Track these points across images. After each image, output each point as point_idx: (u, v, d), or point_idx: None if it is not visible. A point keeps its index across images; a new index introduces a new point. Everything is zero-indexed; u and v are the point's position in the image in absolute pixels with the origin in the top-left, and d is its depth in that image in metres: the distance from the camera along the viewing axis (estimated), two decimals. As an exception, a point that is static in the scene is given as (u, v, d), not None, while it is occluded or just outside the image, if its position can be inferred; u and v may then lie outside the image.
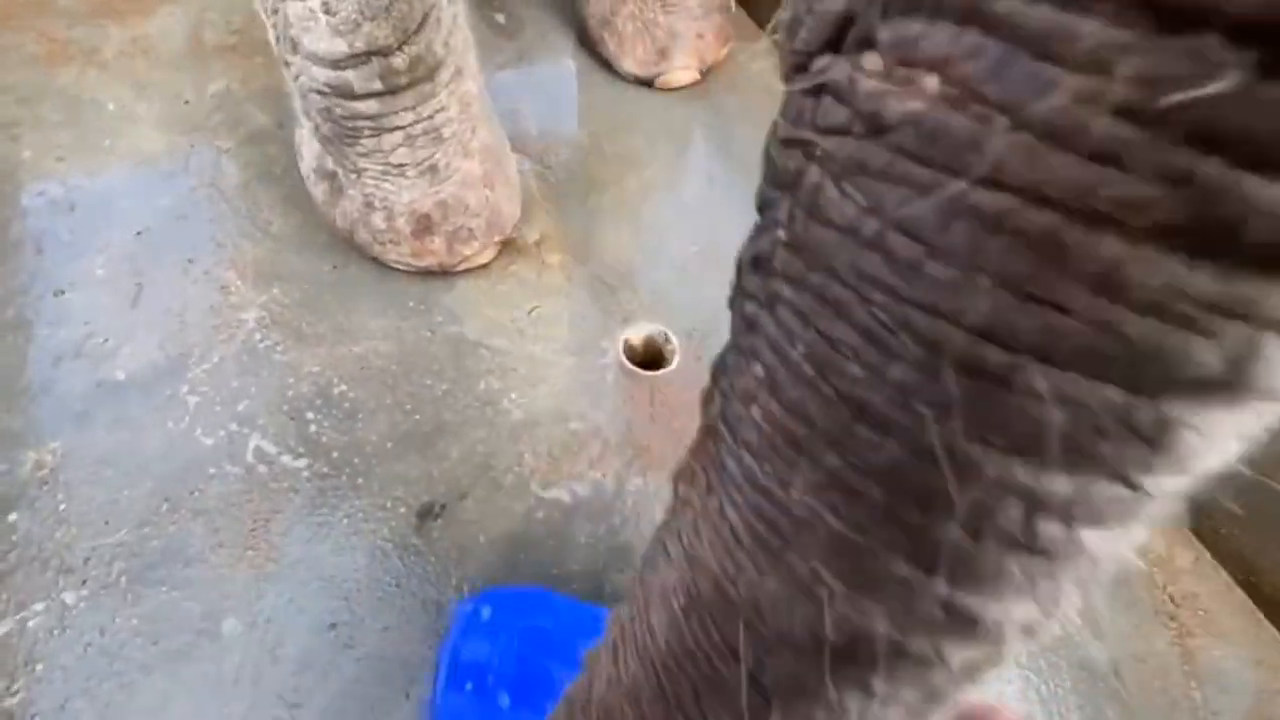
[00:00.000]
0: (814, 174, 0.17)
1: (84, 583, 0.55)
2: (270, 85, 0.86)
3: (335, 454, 0.64)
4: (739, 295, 0.21)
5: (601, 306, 0.78)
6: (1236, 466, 0.17)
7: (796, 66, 0.18)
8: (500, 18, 1.03)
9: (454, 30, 0.65)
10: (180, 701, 0.52)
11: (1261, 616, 0.65)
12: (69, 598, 0.55)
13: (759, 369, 0.20)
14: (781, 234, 0.18)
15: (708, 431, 0.24)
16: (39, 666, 0.52)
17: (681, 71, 0.95)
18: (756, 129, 1.01)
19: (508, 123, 0.91)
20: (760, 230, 0.20)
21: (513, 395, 0.71)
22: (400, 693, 0.55)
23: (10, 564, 0.55)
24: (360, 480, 0.63)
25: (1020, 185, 0.13)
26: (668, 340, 0.78)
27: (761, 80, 1.03)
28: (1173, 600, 0.66)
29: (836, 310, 0.17)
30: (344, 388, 0.68)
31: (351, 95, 0.62)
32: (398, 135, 0.66)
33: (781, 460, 0.20)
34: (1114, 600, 0.66)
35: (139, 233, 0.73)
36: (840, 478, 0.18)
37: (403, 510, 0.62)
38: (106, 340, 0.66)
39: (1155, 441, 0.15)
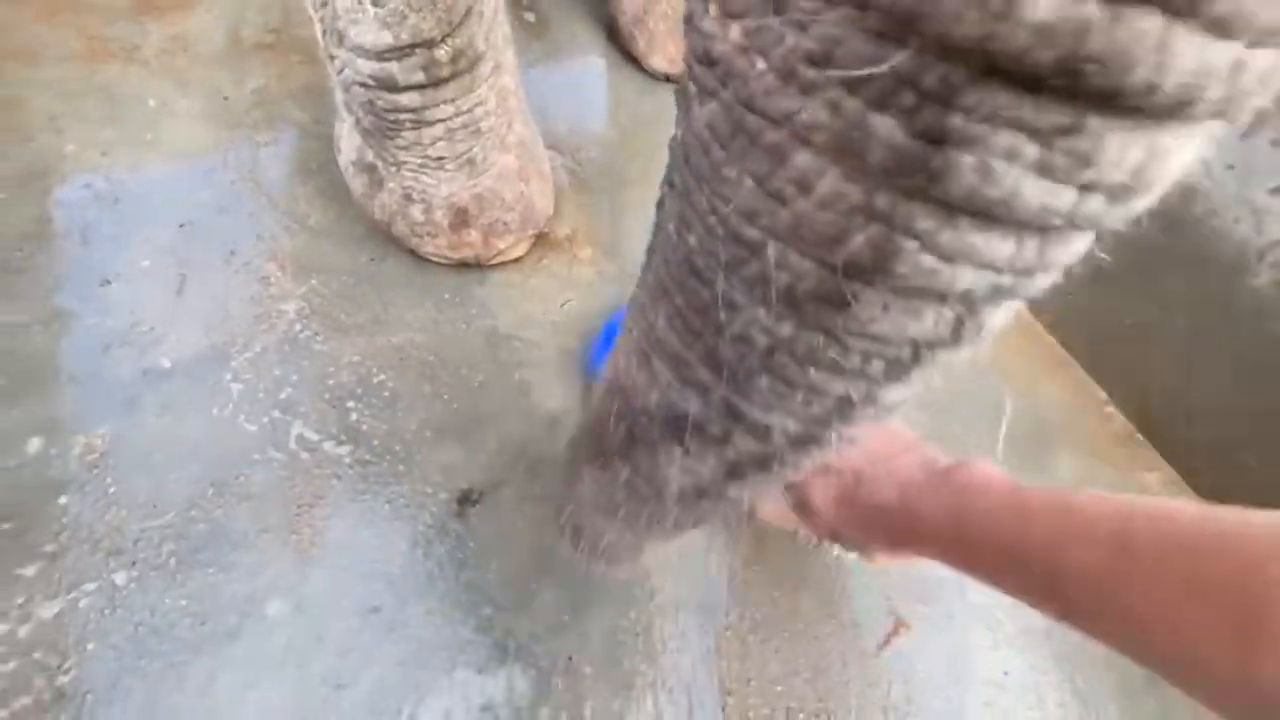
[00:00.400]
0: (690, 91, 0.23)
1: (133, 564, 0.56)
2: (307, 82, 0.88)
3: (376, 441, 0.65)
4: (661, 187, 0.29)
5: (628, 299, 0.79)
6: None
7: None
8: (530, 16, 1.04)
9: (494, 25, 0.66)
10: (227, 681, 0.53)
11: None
12: (119, 578, 0.56)
13: (654, 241, 0.30)
14: (678, 135, 0.25)
15: (638, 285, 0.33)
16: (90, 645, 0.53)
17: (709, 69, 0.96)
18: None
19: (539, 119, 0.92)
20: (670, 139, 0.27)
21: (547, 387, 0.71)
22: (442, 675, 0.55)
23: (62, 545, 0.57)
24: (401, 467, 0.64)
25: (763, 110, 0.20)
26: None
27: (787, 79, 1.04)
28: (1209, 594, 0.66)
29: (686, 198, 0.25)
30: (383, 377, 0.69)
31: (394, 87, 0.63)
32: (438, 128, 0.67)
33: (655, 300, 0.29)
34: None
35: (181, 225, 0.74)
36: (678, 311, 0.28)
37: (443, 496, 0.63)
38: (152, 329, 0.67)
39: (829, 303, 0.22)
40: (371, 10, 0.58)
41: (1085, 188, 0.17)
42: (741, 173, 0.21)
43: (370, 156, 0.71)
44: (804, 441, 0.28)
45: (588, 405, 0.44)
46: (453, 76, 0.64)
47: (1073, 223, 0.18)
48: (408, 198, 0.71)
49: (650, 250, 0.31)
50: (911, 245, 0.19)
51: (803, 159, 0.20)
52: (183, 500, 0.59)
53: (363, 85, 0.64)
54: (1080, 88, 0.15)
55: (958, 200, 0.18)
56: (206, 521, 0.59)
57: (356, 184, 0.74)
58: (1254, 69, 0.14)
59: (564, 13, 1.05)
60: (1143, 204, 0.19)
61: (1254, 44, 0.14)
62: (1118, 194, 0.18)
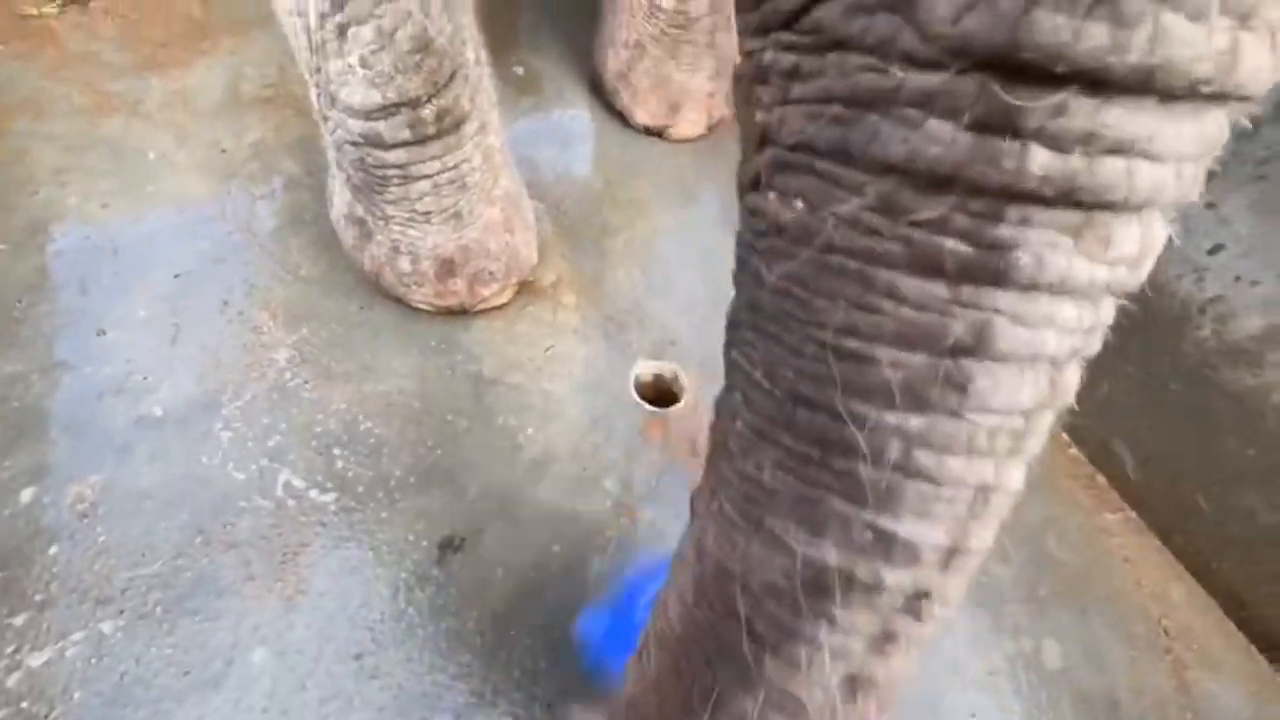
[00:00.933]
0: (754, 259, 0.27)
1: (121, 613, 0.58)
2: (302, 136, 0.91)
3: (361, 488, 0.67)
4: (727, 347, 0.31)
5: (614, 345, 0.82)
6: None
7: (740, 196, 0.28)
8: (519, 70, 1.09)
9: (480, 87, 0.70)
10: (210, 729, 0.54)
11: (1254, 650, 0.67)
12: (106, 627, 0.57)
13: (738, 395, 0.29)
14: (742, 298, 0.29)
15: (713, 453, 0.32)
16: (77, 694, 0.54)
17: (690, 125, 1.00)
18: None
19: (525, 170, 0.96)
20: (734, 300, 0.30)
21: (529, 431, 0.74)
22: (422, 722, 0.57)
23: (51, 595, 0.58)
24: (384, 514, 0.66)
25: (844, 249, 0.24)
26: (677, 378, 0.81)
27: (765, 129, 1.08)
28: (1168, 634, 0.68)
29: (775, 343, 0.27)
30: (369, 424, 0.71)
31: (382, 145, 0.66)
32: (424, 184, 0.70)
33: (755, 452, 0.28)
34: (1111, 633, 0.68)
35: (177, 275, 0.77)
36: (792, 450, 0.27)
37: (425, 544, 0.65)
38: (146, 378, 0.70)
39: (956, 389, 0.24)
40: (360, 72, 0.61)
41: (1112, 263, 0.23)
42: (835, 300, 0.24)
43: (360, 211, 0.74)
44: (953, 554, 0.27)
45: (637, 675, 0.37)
46: (438, 135, 0.67)
47: (1109, 289, 0.23)
48: (395, 249, 0.74)
49: (724, 428, 0.30)
50: (1003, 321, 0.23)
51: (889, 276, 0.23)
52: (171, 548, 0.61)
53: (353, 144, 0.68)
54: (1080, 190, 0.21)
55: (1028, 284, 0.22)
56: (194, 570, 0.61)
57: (347, 236, 0.77)
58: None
59: (551, 67, 1.09)
60: (1148, 268, 0.24)
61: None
62: (1133, 263, 0.23)
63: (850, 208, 0.23)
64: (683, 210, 0.96)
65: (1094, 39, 0.18)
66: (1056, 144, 0.20)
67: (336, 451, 0.69)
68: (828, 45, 0.22)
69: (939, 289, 0.23)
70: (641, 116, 1.00)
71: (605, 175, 0.99)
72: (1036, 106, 0.19)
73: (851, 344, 0.24)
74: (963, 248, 0.22)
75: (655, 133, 1.02)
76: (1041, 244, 0.21)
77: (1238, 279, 0.59)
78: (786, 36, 0.24)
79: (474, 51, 0.68)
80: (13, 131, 0.86)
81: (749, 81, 0.26)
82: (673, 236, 0.93)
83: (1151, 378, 0.68)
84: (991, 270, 0.22)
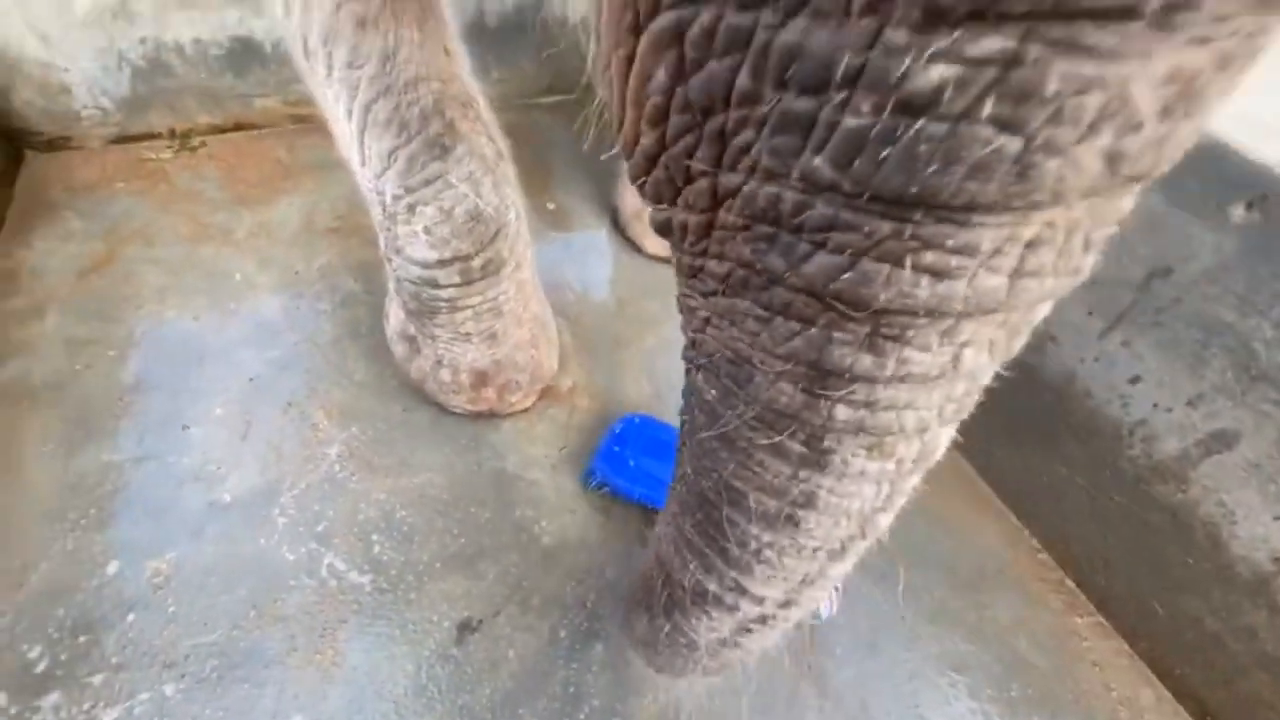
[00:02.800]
0: (690, 399, 0.37)
1: (183, 677, 0.66)
2: (363, 260, 1.08)
3: (393, 571, 0.76)
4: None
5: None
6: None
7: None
8: (551, 205, 1.26)
9: (517, 238, 0.85)
10: (249, 790, 0.61)
11: (1217, 756, 0.71)
12: (169, 689, 0.66)
13: (679, 469, 0.42)
14: (684, 416, 0.39)
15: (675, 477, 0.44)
16: (138, 751, 0.62)
17: (694, 252, 1.15)
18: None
19: (551, 290, 1.11)
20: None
21: (543, 523, 0.83)
22: (435, 792, 0.63)
23: (125, 658, 0.67)
24: (412, 595, 0.74)
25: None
26: (678, 477, 0.91)
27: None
28: (1134, 737, 0.72)
29: (696, 454, 0.38)
30: (404, 513, 0.81)
31: (436, 286, 0.81)
32: (468, 312, 0.84)
33: (682, 511, 0.41)
34: (1078, 735, 0.72)
35: (251, 379, 0.91)
36: (698, 522, 0.40)
37: (446, 624, 0.73)
38: (219, 468, 0.81)
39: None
40: (424, 237, 0.76)
41: (898, 462, 0.32)
42: (728, 459, 0.35)
43: (412, 330, 0.88)
44: (789, 604, 0.40)
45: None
46: (483, 277, 0.82)
47: (895, 477, 0.33)
48: (439, 362, 0.87)
49: (674, 484, 0.44)
50: (823, 493, 0.33)
51: (760, 457, 0.33)
52: (228, 620, 0.70)
53: (412, 283, 0.82)
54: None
55: (839, 474, 0.32)
56: (246, 640, 0.69)
57: (398, 349, 0.91)
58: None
59: (578, 203, 1.27)
60: (930, 462, 0.33)
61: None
62: (915, 463, 0.32)
63: (741, 414, 0.32)
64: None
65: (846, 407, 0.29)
66: (851, 406, 0.29)
67: (375, 537, 0.78)
68: (726, 319, 0.31)
69: (787, 469, 0.32)
70: (652, 247, 1.15)
71: (619, 295, 1.13)
72: (834, 394, 0.28)
73: (735, 483, 0.35)
74: (799, 449, 0.31)
75: (664, 260, 1.17)
76: (846, 453, 0.31)
77: (1155, 405, 0.68)
78: (700, 296, 0.32)
79: (515, 212, 0.84)
80: (126, 256, 1.04)
81: (683, 305, 0.36)
82: (677, 349, 1.05)
83: (1099, 490, 0.76)
84: (817, 464, 0.31)
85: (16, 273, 0.99)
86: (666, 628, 0.47)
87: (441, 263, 0.77)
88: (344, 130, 0.72)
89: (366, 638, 0.71)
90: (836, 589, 0.68)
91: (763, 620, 0.42)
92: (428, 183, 0.72)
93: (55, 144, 1.17)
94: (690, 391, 0.37)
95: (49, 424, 0.83)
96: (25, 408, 0.85)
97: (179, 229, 1.08)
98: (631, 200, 1.16)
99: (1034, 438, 0.82)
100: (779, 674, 0.74)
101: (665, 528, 0.45)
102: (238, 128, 1.26)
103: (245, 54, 1.19)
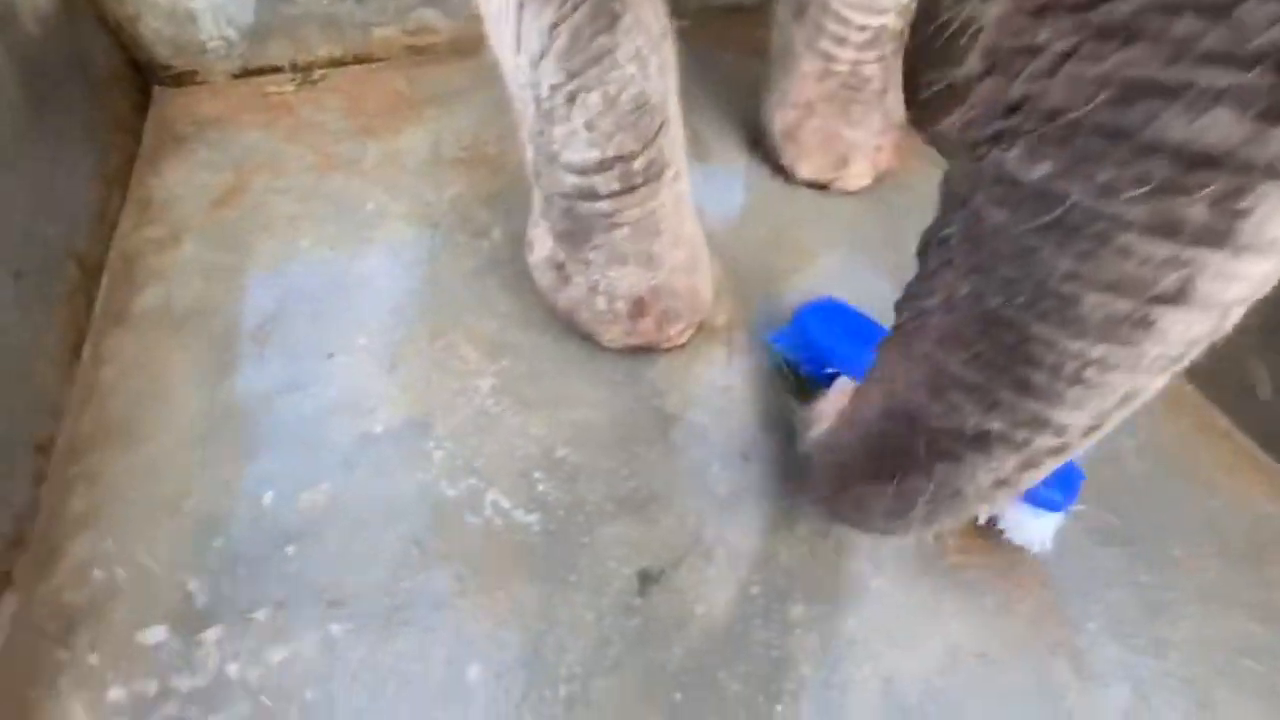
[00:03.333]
0: (978, 199, 0.32)
1: (350, 617, 0.60)
2: (494, 191, 1.00)
3: (561, 512, 0.68)
4: (926, 255, 0.38)
5: (789, 384, 0.81)
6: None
7: (969, 146, 0.32)
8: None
9: (678, 137, 0.75)
10: (427, 744, 0.54)
11: None
12: (335, 630, 0.59)
13: (937, 300, 0.36)
14: (955, 226, 0.34)
15: (903, 328, 0.41)
16: (308, 694, 0.56)
17: (857, 177, 1.02)
18: (922, 219, 1.05)
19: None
20: (942, 221, 0.36)
21: (715, 469, 0.73)
22: (633, 758, 0.54)
23: (288, 593, 0.61)
24: (585, 539, 0.66)
25: (1090, 211, 0.28)
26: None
27: (925, 184, 1.08)
28: None
29: (985, 270, 0.32)
30: (565, 450, 0.73)
31: (594, 196, 0.71)
32: (625, 230, 0.74)
33: (947, 347, 0.36)
34: None
35: (392, 310, 0.84)
36: (979, 354, 0.34)
37: (626, 572, 0.64)
38: (368, 399, 0.75)
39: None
40: (584, 134, 0.67)
41: None
42: (1062, 250, 0.29)
43: (561, 256, 0.79)
44: (1093, 429, 0.35)
45: (834, 432, 0.54)
46: (644, 184, 0.72)
47: None
48: (593, 290, 0.78)
49: (918, 316, 0.39)
50: (1206, 277, 0.26)
51: (1126, 238, 0.27)
52: (392, 558, 0.64)
53: (564, 195, 0.73)
54: None
55: (1242, 246, 0.26)
56: (411, 581, 0.62)
57: (546, 279, 0.82)
58: None
59: (710, 127, 1.15)
60: None
61: None
62: None
63: (1106, 178, 0.26)
64: (848, 257, 0.96)
65: None
66: None
67: (537, 475, 0.70)
68: (1115, 35, 0.25)
69: (1165, 249, 0.26)
70: (806, 171, 1.02)
71: (770, 225, 1.01)
72: None
73: (1067, 288, 0.29)
74: (1202, 216, 0.25)
75: (820, 187, 1.04)
76: (1265, 213, 0.25)
77: None
78: (1069, 22, 0.26)
79: (675, 103, 0.73)
80: (254, 187, 0.99)
81: (1009, 53, 0.29)
82: (838, 281, 0.93)
83: None
84: (1218, 234, 0.25)
85: (150, 202, 0.96)
86: (927, 486, 0.41)
87: (602, 164, 0.68)
88: (498, 8, 0.63)
89: (540, 583, 0.63)
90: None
91: (1057, 451, 0.37)
92: (593, 62, 0.62)
93: (182, 79, 1.13)
94: (975, 186, 0.32)
95: (194, 351, 0.79)
96: (167, 334, 0.81)
97: (306, 159, 1.03)
98: (782, 120, 1.03)
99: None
100: (1027, 652, 0.62)
101: (909, 376, 0.40)
102: (356, 60, 1.20)
103: (367, -22, 1.12)
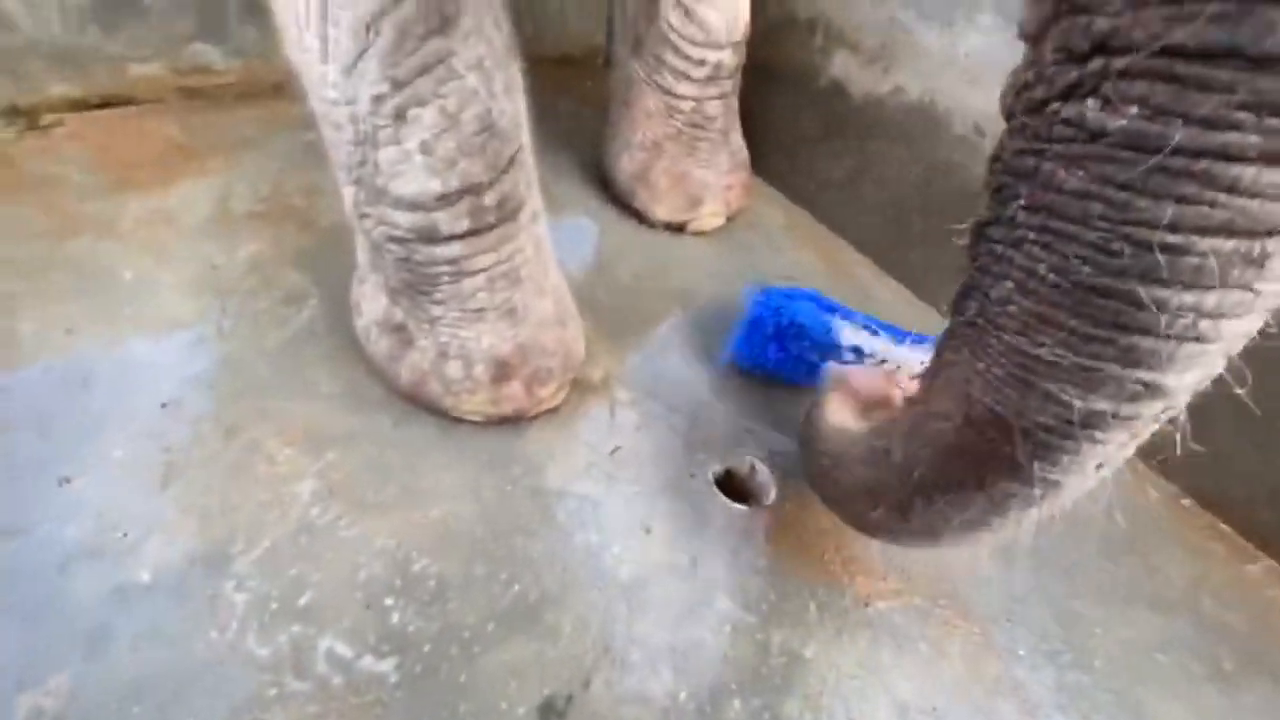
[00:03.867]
0: (1047, 166, 0.30)
1: None
2: (304, 248, 0.83)
3: (427, 647, 0.52)
4: (980, 244, 0.35)
5: (684, 441, 0.73)
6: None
7: (1031, 109, 0.31)
8: (526, 177, 1.06)
9: (531, 172, 0.65)
10: None
11: None
12: None
13: (1009, 284, 0.34)
14: (1021, 201, 0.31)
15: (964, 325, 0.38)
16: None
17: (711, 217, 0.99)
18: (780, 257, 1.05)
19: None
20: (998, 203, 0.34)
21: (615, 549, 0.62)
22: None
23: None
24: (463, 678, 0.51)
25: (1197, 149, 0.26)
26: (754, 469, 0.73)
27: (774, 223, 1.09)
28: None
29: (1068, 239, 0.30)
30: (425, 562, 0.57)
31: (436, 238, 0.59)
32: (479, 279, 0.63)
33: (1034, 332, 0.33)
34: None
35: (165, 405, 0.63)
36: (1076, 330, 0.32)
37: (521, 711, 0.50)
38: (126, 534, 0.54)
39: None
40: (419, 159, 0.55)
41: None
42: (1162, 199, 0.26)
43: (399, 316, 0.65)
44: (1200, 384, 0.33)
45: (876, 448, 0.48)
46: (498, 223, 0.61)
47: None
48: (443, 355, 0.65)
49: (982, 317, 0.36)
50: None
51: (1237, 170, 0.25)
52: (173, 770, 0.43)
53: (399, 241, 0.60)
54: None
55: None
56: (207, 797, 0.43)
57: (381, 346, 0.67)
58: None
59: (556, 174, 1.08)
60: None
61: None
62: None
63: (1210, 107, 0.24)
64: (718, 294, 0.92)
65: None
66: None
67: (389, 602, 0.54)
68: None
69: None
70: (661, 213, 0.98)
71: (633, 270, 0.94)
72: None
73: (1173, 238, 0.27)
74: None
75: (675, 228, 1.00)
76: None
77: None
78: None
79: (526, 135, 0.64)
80: (-51, 261, 0.73)
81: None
82: (714, 320, 0.88)
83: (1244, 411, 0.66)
84: None
85: None
86: (1026, 489, 0.38)
87: (444, 199, 0.57)
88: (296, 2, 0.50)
89: (406, 755, 0.46)
90: None
91: (1162, 417, 0.34)
92: (425, 69, 0.51)
93: None
94: (1041, 153, 0.30)
95: None
96: None
97: (35, 222, 0.79)
98: (630, 163, 0.98)
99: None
100: (971, 698, 0.56)
101: (989, 375, 0.36)
102: (106, 103, 0.97)
103: (119, 4, 0.92)
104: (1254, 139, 0.24)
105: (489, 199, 0.59)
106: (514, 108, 0.59)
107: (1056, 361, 0.32)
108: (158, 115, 0.99)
